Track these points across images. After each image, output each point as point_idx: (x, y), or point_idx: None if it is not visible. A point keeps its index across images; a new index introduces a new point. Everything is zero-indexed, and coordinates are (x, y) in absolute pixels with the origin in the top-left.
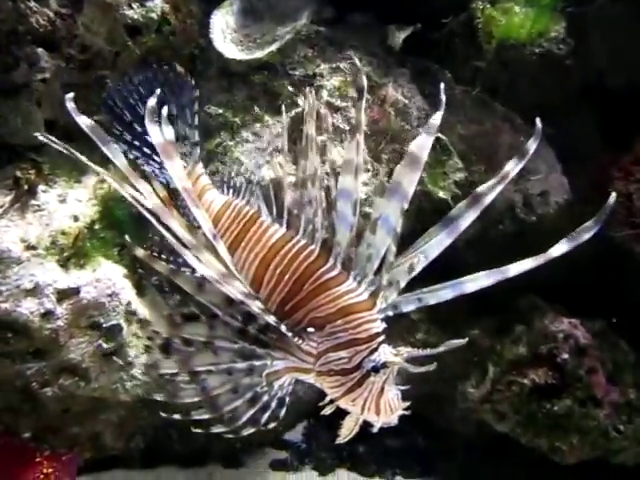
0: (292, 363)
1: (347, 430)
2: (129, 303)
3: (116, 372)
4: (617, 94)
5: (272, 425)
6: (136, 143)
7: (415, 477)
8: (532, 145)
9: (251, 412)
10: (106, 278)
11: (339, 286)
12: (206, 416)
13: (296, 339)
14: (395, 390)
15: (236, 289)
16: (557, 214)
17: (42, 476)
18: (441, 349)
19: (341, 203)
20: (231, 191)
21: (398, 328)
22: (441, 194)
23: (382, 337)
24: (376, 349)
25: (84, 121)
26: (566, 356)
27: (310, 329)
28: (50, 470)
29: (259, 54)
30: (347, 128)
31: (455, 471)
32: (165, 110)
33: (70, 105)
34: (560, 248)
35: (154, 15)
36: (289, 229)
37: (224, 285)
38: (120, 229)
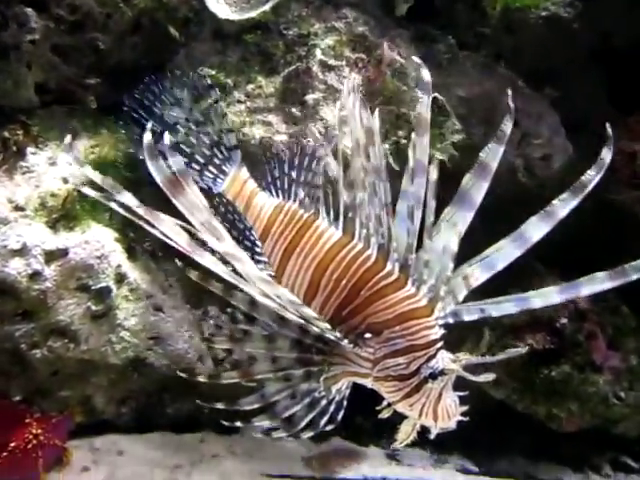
0: (349, 368)
1: (405, 435)
2: (119, 266)
3: (105, 334)
4: (624, 56)
5: (330, 428)
6: None
7: (410, 446)
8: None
9: (310, 416)
10: (95, 240)
11: (397, 292)
12: (267, 422)
13: (352, 346)
14: (453, 396)
15: (288, 300)
16: (559, 177)
17: (31, 437)
18: (501, 357)
19: (403, 206)
20: (280, 192)
21: None
22: (437, 155)
23: (440, 344)
24: (434, 356)
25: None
26: (565, 321)
27: (367, 335)
28: (39, 431)
29: (252, 13)
30: (341, 87)
31: (450, 439)
32: (167, 138)
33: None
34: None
35: None
36: (345, 233)
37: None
38: None
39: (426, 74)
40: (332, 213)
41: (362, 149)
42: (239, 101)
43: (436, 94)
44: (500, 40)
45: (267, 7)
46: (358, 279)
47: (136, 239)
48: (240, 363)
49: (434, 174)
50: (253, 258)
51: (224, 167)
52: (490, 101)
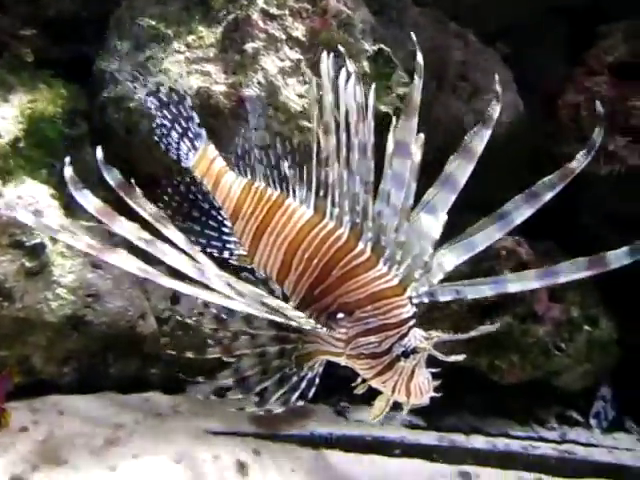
0: (322, 347)
1: (378, 410)
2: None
3: (41, 292)
4: (581, 13)
5: (300, 403)
6: None
7: (359, 403)
8: None
9: (280, 393)
10: (29, 196)
11: (368, 272)
12: (239, 396)
13: (326, 330)
14: (426, 373)
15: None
16: (508, 133)
17: None
18: (472, 334)
19: (387, 187)
20: (248, 170)
21: None
22: (383, 107)
23: (412, 322)
24: (406, 334)
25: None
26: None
27: (340, 315)
28: None
29: None
30: (283, 37)
31: None
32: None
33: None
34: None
35: None
36: (316, 212)
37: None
38: (50, 149)
39: (420, 57)
40: (305, 190)
41: (351, 125)
42: (178, 51)
43: (381, 45)
44: None
45: None
46: (330, 259)
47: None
48: (222, 340)
49: (418, 156)
50: (220, 238)
51: (195, 142)
52: (441, 55)
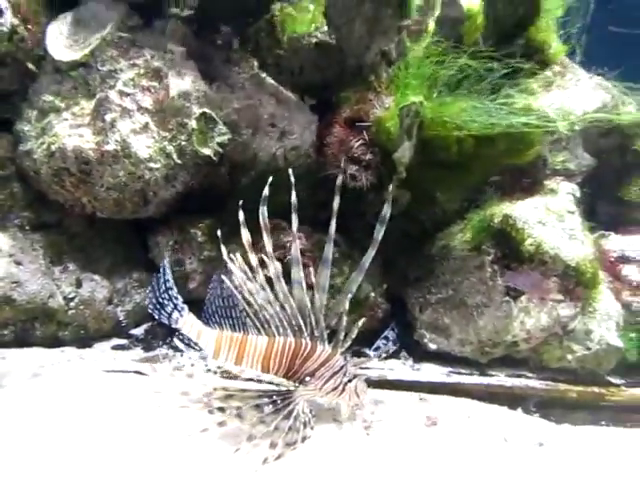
0: (305, 396)
1: (345, 414)
2: None
3: None
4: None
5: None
6: None
7: None
8: None
9: (282, 437)
10: None
11: (314, 353)
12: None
13: (301, 386)
14: (363, 384)
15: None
16: (305, 162)
17: None
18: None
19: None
20: (215, 321)
21: None
22: (205, 151)
23: (346, 364)
24: (345, 372)
25: None
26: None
27: (307, 378)
28: None
29: (77, 56)
30: (134, 108)
31: None
32: None
33: None
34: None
35: (4, 28)
36: (269, 337)
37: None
38: None
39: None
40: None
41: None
42: (66, 119)
43: (205, 109)
44: (290, 60)
45: (87, 51)
46: (291, 356)
47: (5, 217)
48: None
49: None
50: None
51: (175, 313)
52: (253, 110)
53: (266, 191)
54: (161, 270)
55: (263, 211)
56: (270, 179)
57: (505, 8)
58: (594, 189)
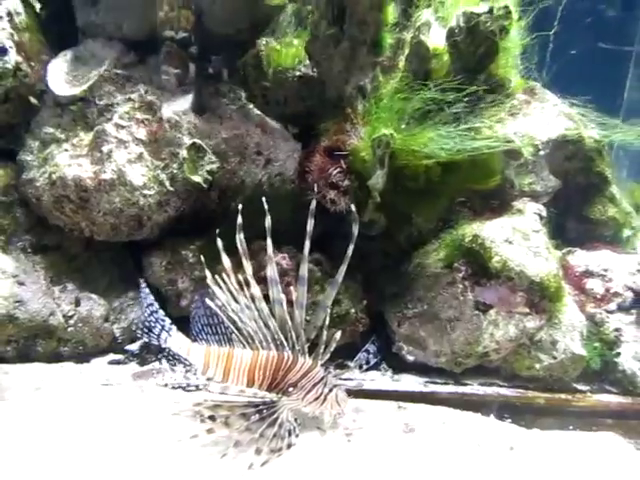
0: (289, 406)
1: (327, 422)
2: None
3: None
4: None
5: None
6: None
7: None
8: None
9: (267, 444)
10: None
11: (296, 365)
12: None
13: (284, 397)
14: (343, 394)
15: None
16: (291, 187)
17: None
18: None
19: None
20: (203, 338)
21: None
22: (195, 178)
23: (326, 375)
24: (326, 382)
25: None
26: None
27: (290, 389)
28: None
29: (76, 91)
30: (130, 139)
31: None
32: None
33: None
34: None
35: (9, 66)
36: (253, 350)
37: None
38: None
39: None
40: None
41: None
42: (66, 150)
43: (195, 139)
44: (275, 92)
45: (85, 87)
46: (274, 368)
47: (9, 240)
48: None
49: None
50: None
51: (164, 333)
52: (240, 140)
53: (239, 220)
54: (141, 296)
55: (240, 238)
56: (240, 207)
57: (467, 48)
58: (562, 208)
